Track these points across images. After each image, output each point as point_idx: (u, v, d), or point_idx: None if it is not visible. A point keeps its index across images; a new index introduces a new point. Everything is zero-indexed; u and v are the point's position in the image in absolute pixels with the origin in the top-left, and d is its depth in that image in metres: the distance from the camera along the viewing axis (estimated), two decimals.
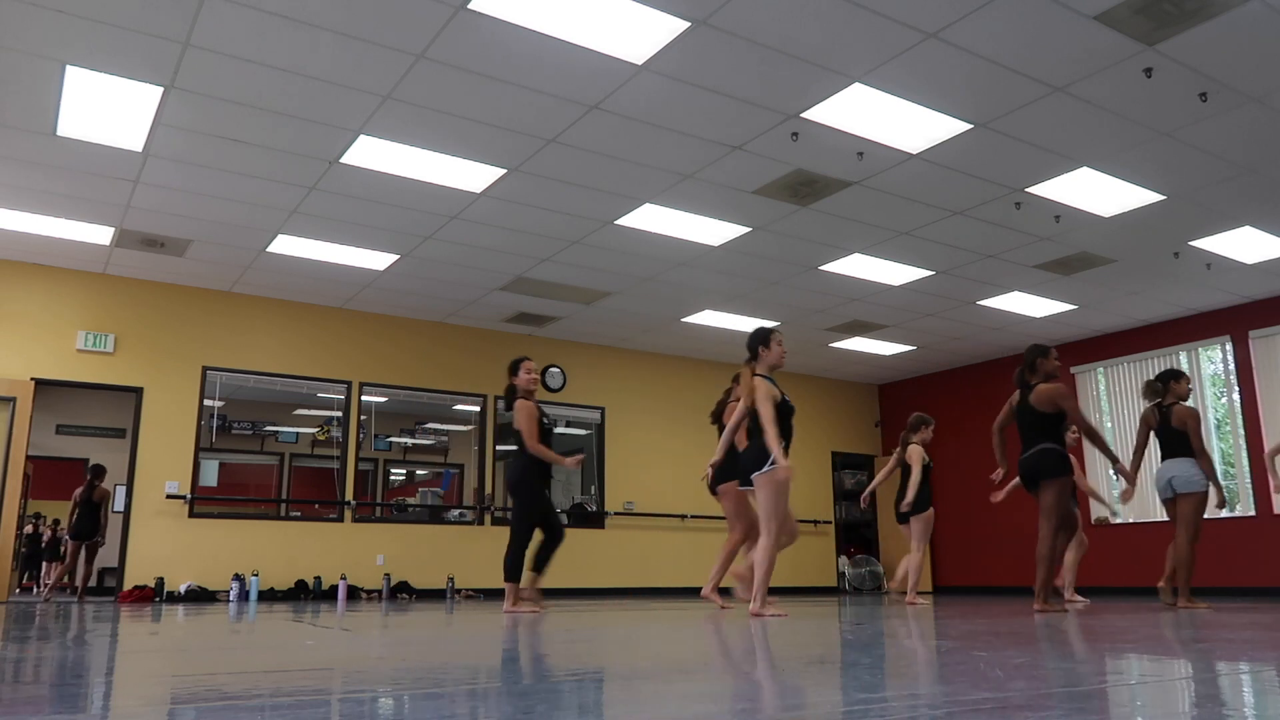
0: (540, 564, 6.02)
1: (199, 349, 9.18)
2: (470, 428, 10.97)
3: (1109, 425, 11.01)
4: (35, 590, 14.84)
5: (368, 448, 10.53)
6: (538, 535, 6.01)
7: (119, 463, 10.10)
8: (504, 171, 6.65)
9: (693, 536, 11.46)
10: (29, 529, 14.36)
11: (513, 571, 5.84)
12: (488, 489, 10.51)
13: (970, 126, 6.01)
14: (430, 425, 12.48)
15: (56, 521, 15.65)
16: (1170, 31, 4.94)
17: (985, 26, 4.90)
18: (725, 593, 6.82)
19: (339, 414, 9.92)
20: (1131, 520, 10.34)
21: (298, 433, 12.34)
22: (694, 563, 11.36)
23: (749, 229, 7.74)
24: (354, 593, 9.31)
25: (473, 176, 6.72)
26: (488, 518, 10.44)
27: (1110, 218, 7.52)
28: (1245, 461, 9.67)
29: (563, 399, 11.17)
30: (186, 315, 9.17)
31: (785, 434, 5.18)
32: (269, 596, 8.94)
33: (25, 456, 8.37)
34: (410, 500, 13.46)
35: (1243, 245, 8.14)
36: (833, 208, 7.31)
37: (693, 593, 10.98)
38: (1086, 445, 8.19)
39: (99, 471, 9.54)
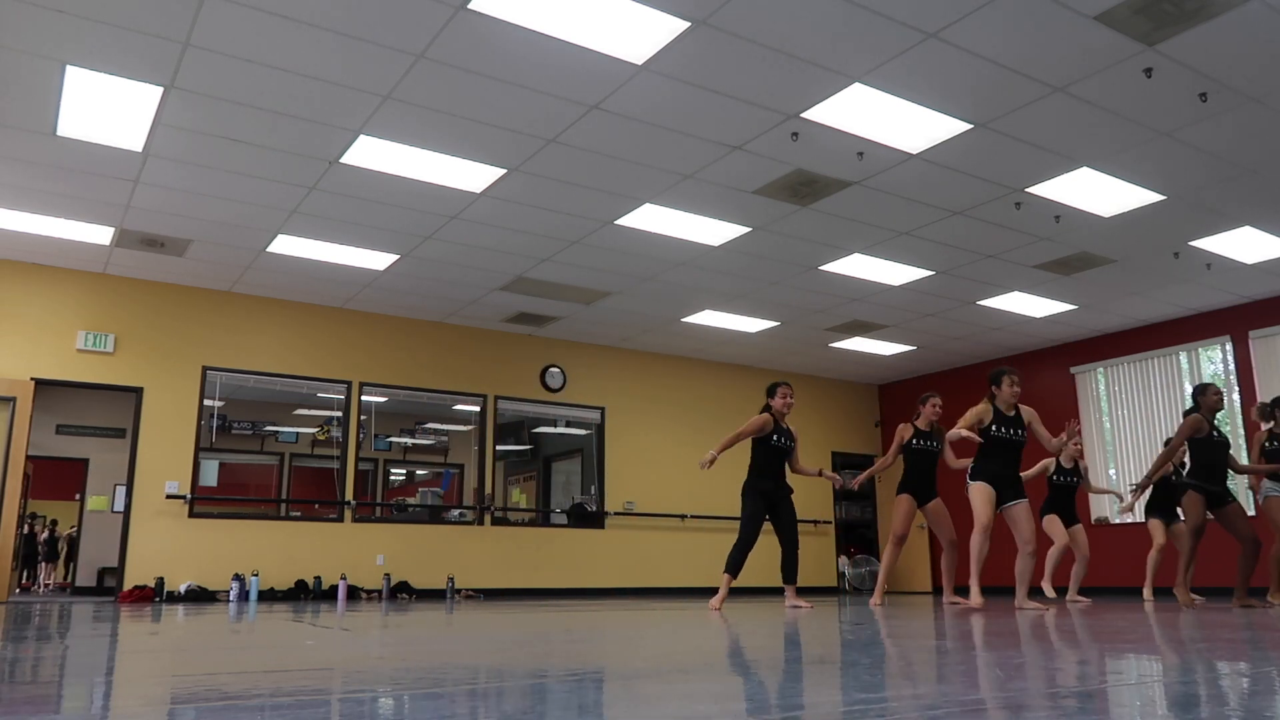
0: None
1: (199, 349, 9.18)
2: (470, 428, 10.97)
3: (1108, 426, 11.01)
4: (34, 589, 14.85)
5: (368, 448, 10.53)
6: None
7: (119, 463, 10.09)
8: (504, 171, 6.65)
9: (693, 536, 11.46)
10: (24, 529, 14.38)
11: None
12: (488, 489, 10.51)
13: (970, 126, 6.01)
14: (430, 425, 12.47)
15: (54, 521, 15.67)
16: (1170, 31, 4.94)
17: (985, 26, 4.90)
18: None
19: (339, 414, 9.92)
20: (1130, 520, 10.33)
21: (298, 433, 12.34)
22: (694, 563, 11.35)
23: (749, 229, 7.74)
24: (354, 593, 9.31)
25: (473, 176, 6.72)
26: (488, 518, 10.44)
27: (1110, 218, 7.52)
28: (1244, 462, 9.65)
29: (563, 399, 11.18)
30: (186, 315, 9.16)
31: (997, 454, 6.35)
32: (269, 596, 8.94)
33: (25, 456, 8.36)
34: (410, 500, 13.46)
35: (1243, 245, 8.14)
36: (833, 208, 7.31)
37: (692, 593, 10.99)
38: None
39: None
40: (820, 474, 7.13)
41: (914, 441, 7.15)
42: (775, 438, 6.71)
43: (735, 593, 11.04)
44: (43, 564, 15.39)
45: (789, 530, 6.72)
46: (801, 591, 12.29)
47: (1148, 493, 8.35)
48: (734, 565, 6.64)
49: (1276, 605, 6.46)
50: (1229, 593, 7.41)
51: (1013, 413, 6.34)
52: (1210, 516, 6.73)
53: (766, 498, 6.71)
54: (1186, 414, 6.83)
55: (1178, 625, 4.18)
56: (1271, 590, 6.86)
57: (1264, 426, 7.05)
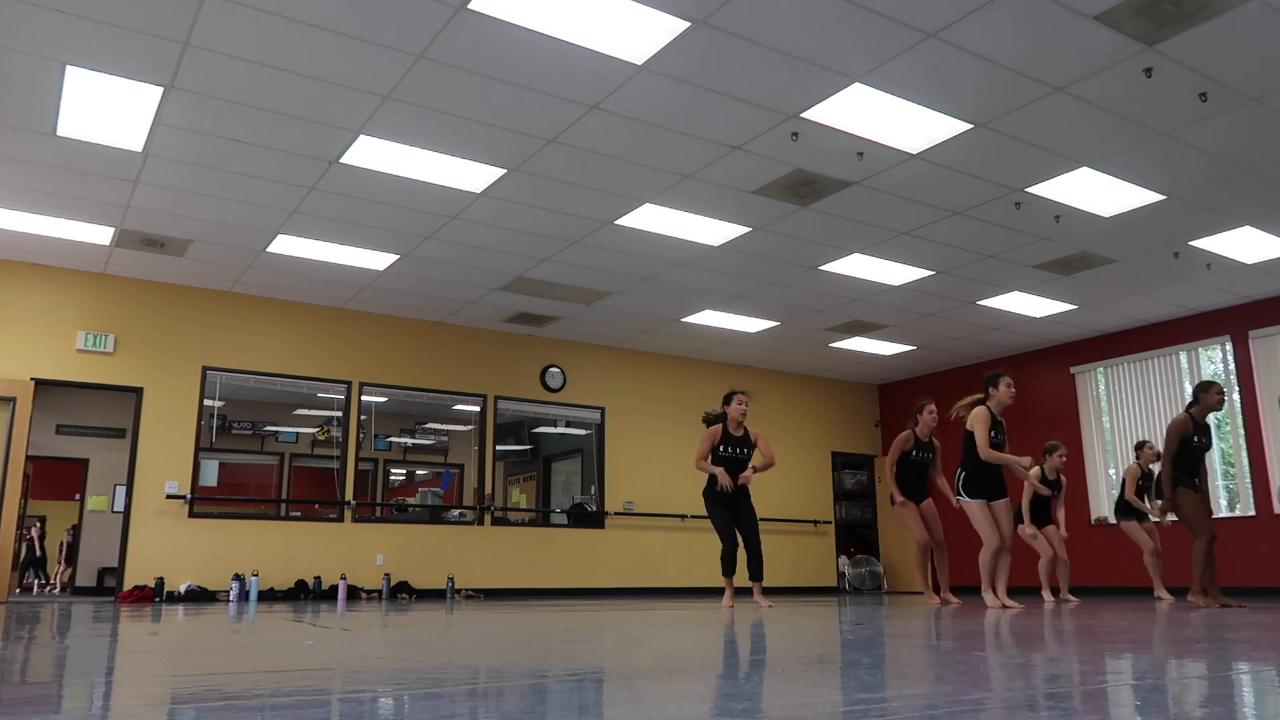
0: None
1: (199, 349, 9.18)
2: (470, 428, 10.97)
3: (1108, 425, 11.02)
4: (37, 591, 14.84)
5: (368, 448, 10.53)
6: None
7: (119, 463, 10.09)
8: (504, 171, 6.65)
9: (692, 536, 11.45)
10: None
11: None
12: (488, 489, 10.51)
13: (970, 126, 6.01)
14: (430, 425, 12.48)
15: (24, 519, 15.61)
16: (1170, 31, 4.94)
17: (985, 26, 4.90)
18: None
19: (339, 414, 9.92)
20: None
21: (298, 433, 12.34)
22: (694, 563, 11.35)
23: (749, 229, 7.74)
24: (354, 593, 9.31)
25: (473, 176, 6.72)
26: (488, 518, 10.44)
27: (1110, 218, 7.52)
28: (1245, 461, 9.67)
29: (563, 399, 11.18)
30: (186, 315, 9.16)
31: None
32: (269, 596, 8.94)
33: (25, 456, 8.36)
34: (410, 500, 13.47)
35: (1243, 245, 8.14)
36: (833, 208, 7.31)
37: (692, 593, 10.99)
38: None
39: None
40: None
41: (913, 453, 7.45)
42: (723, 448, 6.87)
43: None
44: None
45: (750, 532, 6.88)
46: (802, 591, 12.35)
47: (1114, 497, 8.50)
48: (727, 568, 6.84)
49: None
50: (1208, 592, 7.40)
51: (1001, 418, 6.63)
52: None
53: (726, 502, 6.87)
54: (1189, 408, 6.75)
55: (1188, 625, 4.18)
56: None
57: None
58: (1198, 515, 6.49)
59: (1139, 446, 8.65)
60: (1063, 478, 8.37)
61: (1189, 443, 6.56)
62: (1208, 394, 6.58)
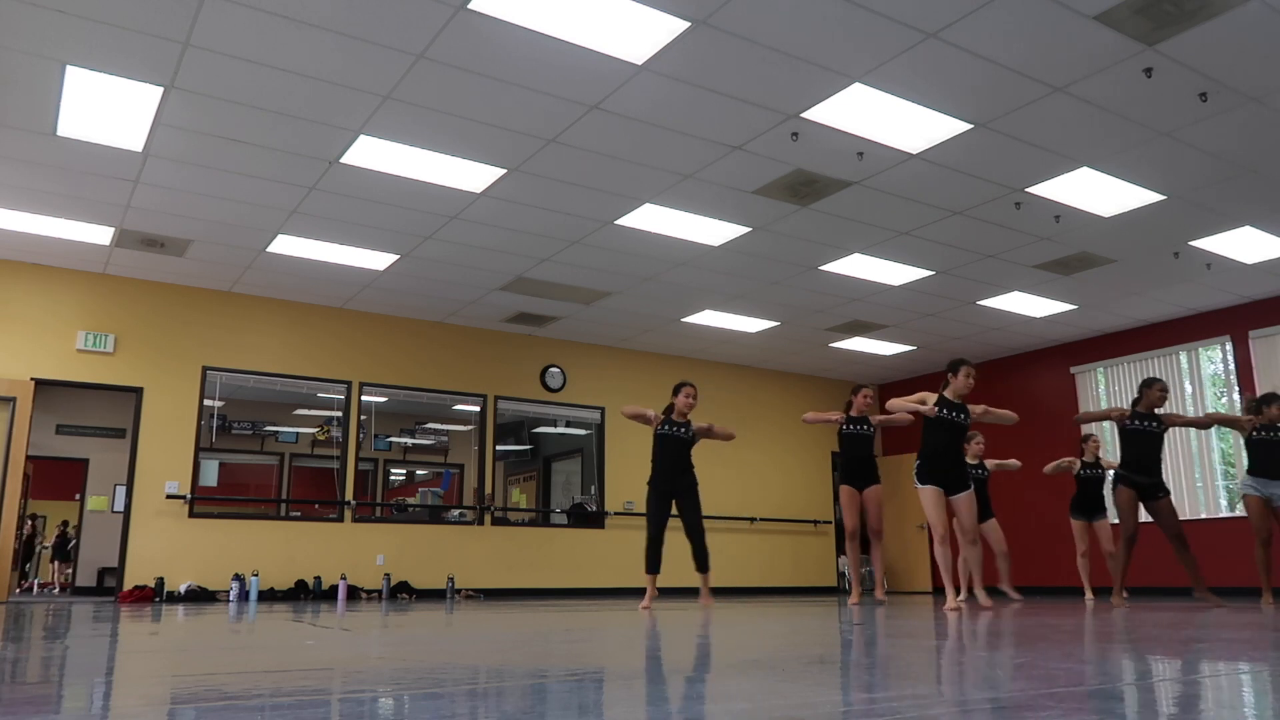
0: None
1: (199, 349, 9.17)
2: (470, 428, 10.97)
3: (1108, 425, 11.00)
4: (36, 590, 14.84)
5: (368, 448, 10.53)
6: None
7: (119, 463, 10.09)
8: (504, 171, 6.65)
9: None
10: None
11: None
12: (488, 489, 10.50)
13: (970, 126, 6.01)
14: (430, 425, 12.49)
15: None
16: (1170, 31, 4.94)
17: (985, 26, 4.90)
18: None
19: (339, 414, 9.92)
20: None
21: (298, 433, 12.35)
22: (693, 563, 11.33)
23: (749, 229, 7.74)
24: (354, 593, 9.31)
25: (473, 176, 6.72)
26: (488, 518, 10.44)
27: (1110, 218, 7.52)
28: (1245, 462, 9.65)
29: (563, 399, 11.18)
30: (186, 315, 9.16)
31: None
32: (269, 596, 8.94)
33: (25, 456, 8.36)
34: (410, 500, 13.47)
35: (1243, 245, 8.14)
36: (833, 208, 7.31)
37: (692, 593, 10.97)
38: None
39: None
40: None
41: (844, 427, 7.36)
42: (665, 427, 6.85)
43: (728, 592, 11.04)
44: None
45: (691, 523, 6.93)
46: (802, 591, 12.33)
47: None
48: (650, 564, 6.90)
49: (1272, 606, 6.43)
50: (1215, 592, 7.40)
51: (959, 404, 6.19)
52: (1144, 517, 6.88)
53: (666, 495, 6.91)
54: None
55: (1147, 624, 4.18)
56: (1264, 593, 6.83)
57: (1245, 417, 7.10)
58: (1123, 509, 6.76)
59: (1084, 440, 8.52)
60: (986, 466, 8.26)
61: (1124, 429, 6.80)
62: (1150, 390, 6.79)
